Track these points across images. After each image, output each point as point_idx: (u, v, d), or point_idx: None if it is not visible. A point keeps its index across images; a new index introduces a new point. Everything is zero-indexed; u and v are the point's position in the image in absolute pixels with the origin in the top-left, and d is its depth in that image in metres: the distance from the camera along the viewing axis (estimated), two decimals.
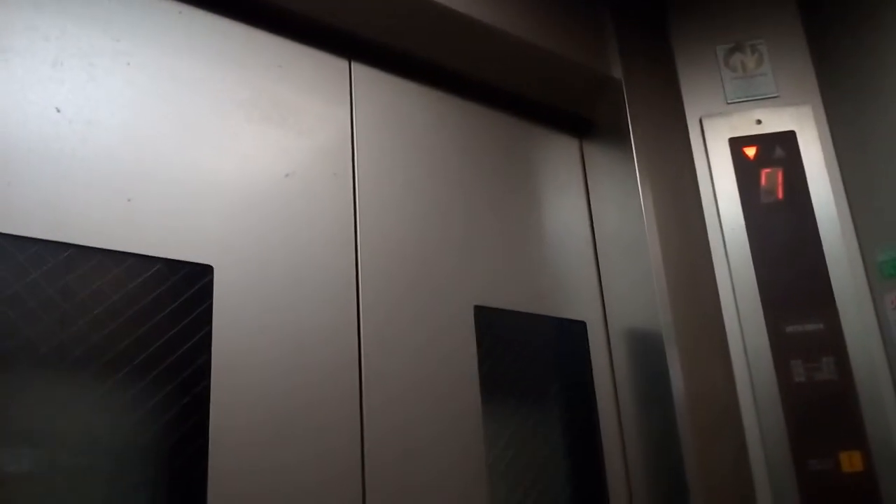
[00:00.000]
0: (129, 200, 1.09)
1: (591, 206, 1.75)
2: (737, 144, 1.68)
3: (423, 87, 1.53)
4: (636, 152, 1.62)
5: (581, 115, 1.78)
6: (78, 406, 0.99)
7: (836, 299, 1.55)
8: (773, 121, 1.68)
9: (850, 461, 1.47)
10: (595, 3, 1.73)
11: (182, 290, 1.11)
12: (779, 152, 1.66)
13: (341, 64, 1.42)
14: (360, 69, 1.44)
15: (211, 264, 1.14)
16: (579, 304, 1.63)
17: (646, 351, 1.56)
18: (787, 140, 1.66)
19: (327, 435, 1.17)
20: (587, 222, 1.73)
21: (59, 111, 1.07)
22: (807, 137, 1.66)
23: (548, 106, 1.73)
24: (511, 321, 1.52)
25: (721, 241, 1.62)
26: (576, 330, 1.61)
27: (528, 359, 1.53)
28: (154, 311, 1.08)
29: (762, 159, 1.66)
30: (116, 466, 1.00)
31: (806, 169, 1.64)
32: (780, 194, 1.63)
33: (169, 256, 1.11)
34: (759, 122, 1.69)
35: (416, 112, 1.50)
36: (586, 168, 1.78)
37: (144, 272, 1.09)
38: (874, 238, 1.56)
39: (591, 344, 1.61)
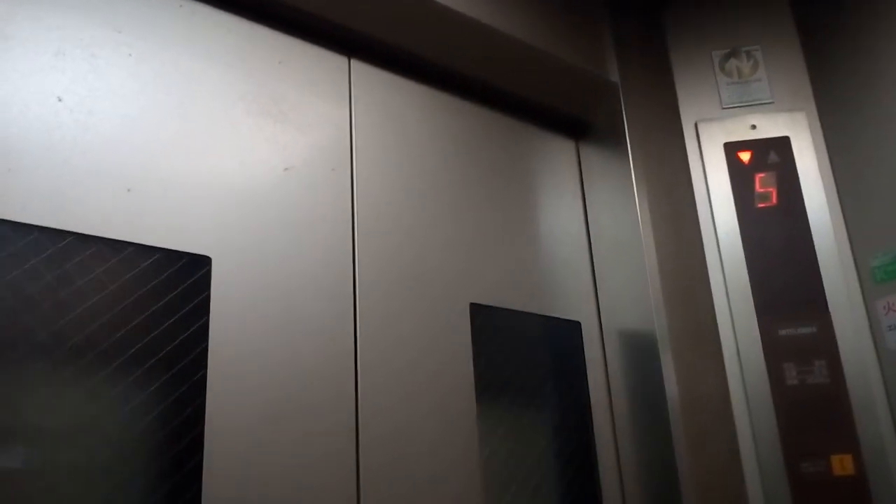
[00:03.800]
0: (128, 190, 1.10)
1: (587, 207, 1.76)
2: (732, 149, 1.69)
3: (421, 86, 1.53)
4: (632, 155, 1.63)
5: (578, 118, 1.79)
6: (74, 393, 0.99)
7: (829, 303, 1.56)
8: (768, 126, 1.70)
9: (842, 464, 1.47)
10: (593, 8, 1.74)
11: (180, 280, 1.11)
12: (773, 157, 1.67)
13: (341, 61, 1.43)
14: (359, 66, 1.45)
15: (209, 255, 1.14)
16: (574, 305, 1.64)
17: (640, 352, 1.56)
18: (782, 145, 1.68)
19: (322, 425, 1.17)
20: (583, 224, 1.74)
21: (60, 100, 1.07)
22: (801, 143, 1.68)
23: (545, 107, 1.74)
24: (506, 319, 1.53)
25: (715, 245, 1.63)
26: (571, 330, 1.62)
27: (523, 357, 1.53)
28: (152, 301, 1.08)
29: (757, 164, 1.67)
30: (112, 454, 1.00)
31: (800, 174, 1.65)
32: (775, 199, 1.64)
33: (167, 246, 1.11)
34: (753, 127, 1.70)
35: (414, 110, 1.50)
36: (582, 170, 1.79)
37: (143, 261, 1.09)
38: (867, 243, 1.57)
39: (585, 344, 1.62)
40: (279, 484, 1.10)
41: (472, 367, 1.40)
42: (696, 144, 1.70)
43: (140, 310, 1.07)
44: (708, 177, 1.67)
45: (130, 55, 1.17)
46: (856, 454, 1.47)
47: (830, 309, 1.56)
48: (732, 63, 1.76)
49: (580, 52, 1.66)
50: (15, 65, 1.05)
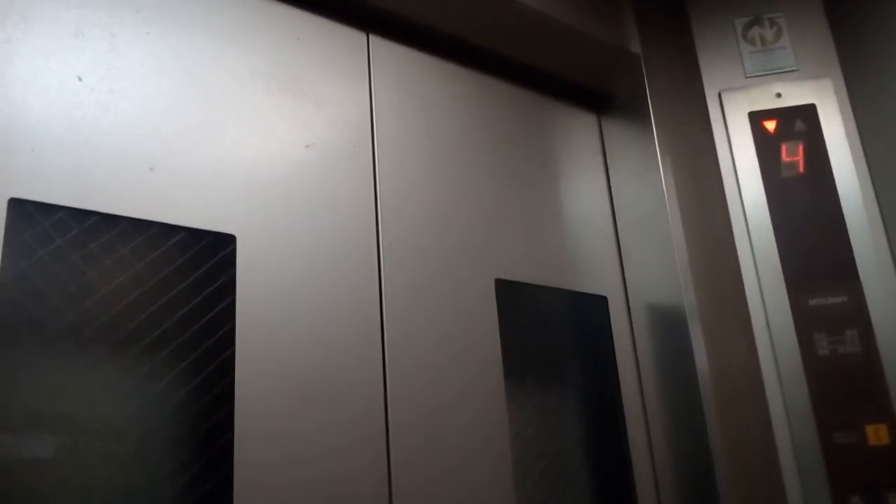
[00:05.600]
0: (151, 169, 1.09)
1: (611, 180, 1.74)
2: (756, 118, 1.66)
3: (440, 61, 1.52)
4: (655, 127, 1.61)
5: (599, 91, 1.76)
6: (101, 374, 0.98)
7: (860, 272, 1.54)
8: (793, 94, 1.67)
9: (877, 434, 1.45)
10: None
11: (205, 259, 1.11)
12: (799, 126, 1.64)
13: (359, 36, 1.41)
14: (377, 42, 1.43)
15: (233, 234, 1.13)
16: (600, 279, 1.62)
17: (668, 326, 1.55)
18: (808, 113, 1.65)
19: (351, 405, 1.16)
20: (607, 197, 1.72)
21: (80, 80, 1.06)
22: (827, 110, 1.64)
23: (566, 81, 1.71)
24: (532, 295, 1.51)
25: (742, 216, 1.60)
26: (597, 305, 1.60)
27: (549, 333, 1.52)
28: (178, 280, 1.07)
29: (782, 133, 1.64)
30: (142, 435, 0.99)
31: (827, 142, 1.62)
32: (802, 168, 1.61)
33: (192, 225, 1.10)
34: (778, 95, 1.67)
35: (434, 85, 1.49)
36: (605, 143, 1.77)
37: (167, 241, 1.08)
38: None
39: (612, 319, 1.60)
40: (309, 460, 1.09)
41: (499, 344, 1.38)
42: (721, 114, 1.68)
43: (166, 289, 1.06)
44: (733, 147, 1.65)
45: (149, 34, 1.15)
46: (891, 423, 1.45)
47: (861, 278, 1.53)
48: (755, 31, 1.73)
49: (601, 23, 1.63)
50: (35, 44, 1.04)
